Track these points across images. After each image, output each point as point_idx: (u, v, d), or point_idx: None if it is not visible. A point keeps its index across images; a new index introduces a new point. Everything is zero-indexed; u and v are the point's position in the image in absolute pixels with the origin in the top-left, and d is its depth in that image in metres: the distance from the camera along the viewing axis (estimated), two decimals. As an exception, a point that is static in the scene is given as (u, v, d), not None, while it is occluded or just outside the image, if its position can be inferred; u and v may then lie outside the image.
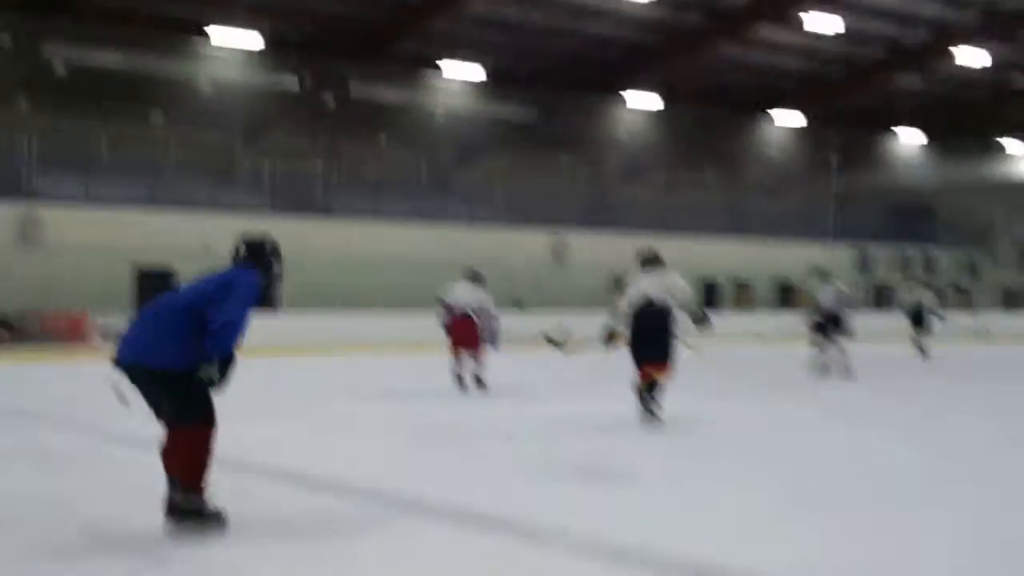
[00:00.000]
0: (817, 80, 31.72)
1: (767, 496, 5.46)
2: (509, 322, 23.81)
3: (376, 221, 26.38)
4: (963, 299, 34.84)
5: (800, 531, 4.60)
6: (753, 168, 37.40)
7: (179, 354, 4.67)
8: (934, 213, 40.25)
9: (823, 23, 26.15)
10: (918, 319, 18.39)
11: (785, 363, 16.09)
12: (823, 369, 13.88)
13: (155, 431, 4.79)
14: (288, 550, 4.30)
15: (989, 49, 28.08)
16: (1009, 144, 36.80)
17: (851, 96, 33.26)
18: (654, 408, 8.45)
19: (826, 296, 14.22)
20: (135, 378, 4.75)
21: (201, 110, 27.29)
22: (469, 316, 11.78)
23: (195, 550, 4.28)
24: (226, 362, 4.71)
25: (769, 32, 27.90)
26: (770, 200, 37.10)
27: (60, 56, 25.88)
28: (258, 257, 5.15)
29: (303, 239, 24.02)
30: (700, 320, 9.05)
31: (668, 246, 29.91)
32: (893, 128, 36.66)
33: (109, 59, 26.51)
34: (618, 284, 15.11)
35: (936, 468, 6.61)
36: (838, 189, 34.37)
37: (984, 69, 30.27)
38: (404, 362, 17.95)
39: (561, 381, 13.11)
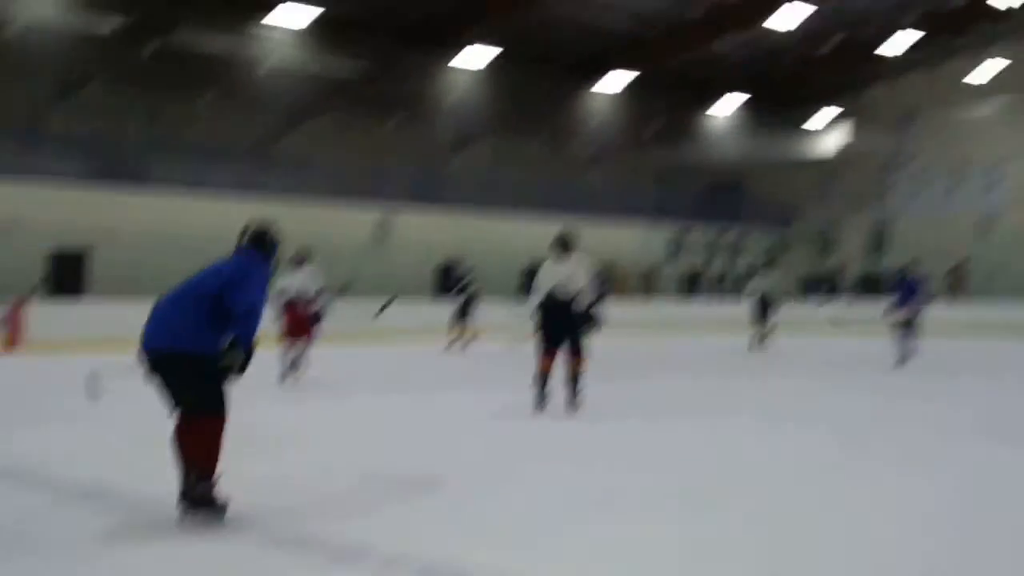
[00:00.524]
0: (641, 43, 31.79)
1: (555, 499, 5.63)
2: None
3: (194, 193, 25.15)
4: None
5: (591, 535, 4.77)
6: (578, 140, 37.78)
7: (202, 340, 4.83)
8: (744, 191, 41.43)
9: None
10: (763, 306, 17.54)
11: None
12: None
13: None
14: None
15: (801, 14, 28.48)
16: (816, 120, 37.95)
17: (672, 59, 33.37)
18: (545, 398, 8.82)
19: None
20: (158, 365, 4.85)
21: (7, 59, 24.91)
22: (295, 303, 11.59)
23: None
24: (249, 351, 4.86)
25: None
26: (594, 175, 37.72)
27: None
28: (264, 244, 5.32)
29: (113, 212, 22.95)
30: (586, 320, 8.93)
31: (494, 224, 30.33)
32: (710, 103, 37.44)
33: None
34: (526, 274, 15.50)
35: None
36: (656, 164, 35.08)
37: (795, 32, 30.64)
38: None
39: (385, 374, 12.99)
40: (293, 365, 11.54)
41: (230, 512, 4.99)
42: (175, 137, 26.95)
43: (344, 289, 24.91)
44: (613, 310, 11.19)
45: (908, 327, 14.57)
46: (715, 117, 38.62)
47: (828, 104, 38.83)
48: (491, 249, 28.57)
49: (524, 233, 30.14)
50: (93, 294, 22.33)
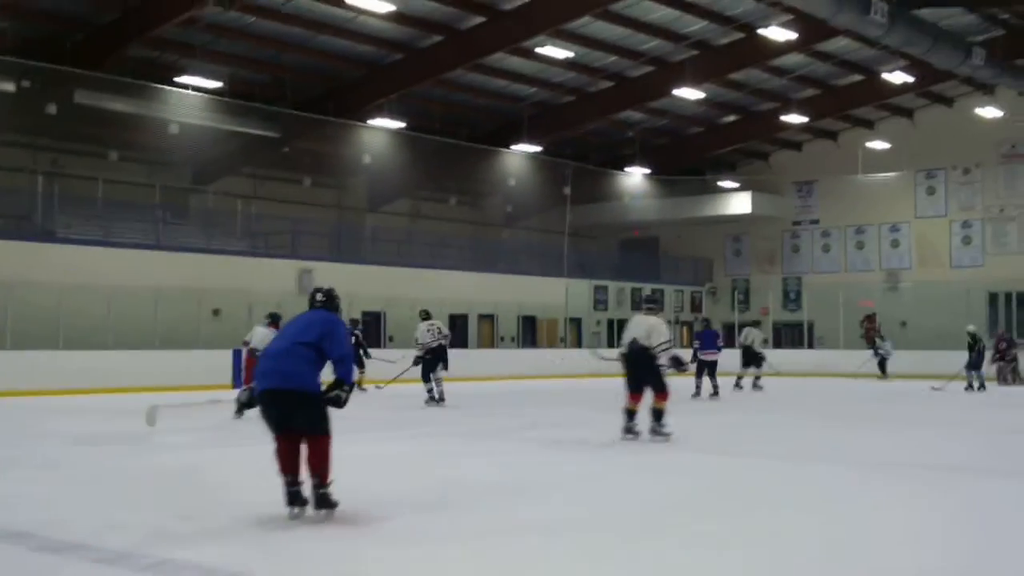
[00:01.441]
0: (551, 110, 32.41)
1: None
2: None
3: (105, 247, 24.65)
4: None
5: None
6: (494, 199, 38.16)
7: (311, 380, 6.14)
8: (659, 249, 42.37)
9: (556, 52, 26.65)
10: (749, 357, 21.24)
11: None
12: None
13: None
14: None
15: (703, 88, 29.61)
16: (724, 182, 39.20)
17: (581, 127, 34.16)
18: (659, 429, 10.41)
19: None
20: (275, 400, 6.11)
21: None
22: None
23: None
24: (350, 388, 6.31)
25: (505, 59, 28.25)
26: (511, 233, 38.09)
27: None
28: (335, 303, 6.71)
29: (22, 266, 22.32)
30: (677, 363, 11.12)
31: (414, 278, 30.37)
32: (623, 163, 38.33)
33: None
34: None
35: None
36: (572, 222, 35.59)
37: (699, 103, 31.84)
38: (138, 400, 17.08)
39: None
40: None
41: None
42: (81, 193, 26.40)
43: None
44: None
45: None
46: (629, 175, 39.34)
47: (734, 168, 39.95)
48: (413, 300, 28.53)
49: (444, 285, 30.17)
50: (3, 346, 21.64)
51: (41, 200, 25.59)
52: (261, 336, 14.29)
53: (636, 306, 38.07)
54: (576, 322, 35.81)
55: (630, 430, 10.53)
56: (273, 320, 14.83)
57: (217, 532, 5.70)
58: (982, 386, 21.34)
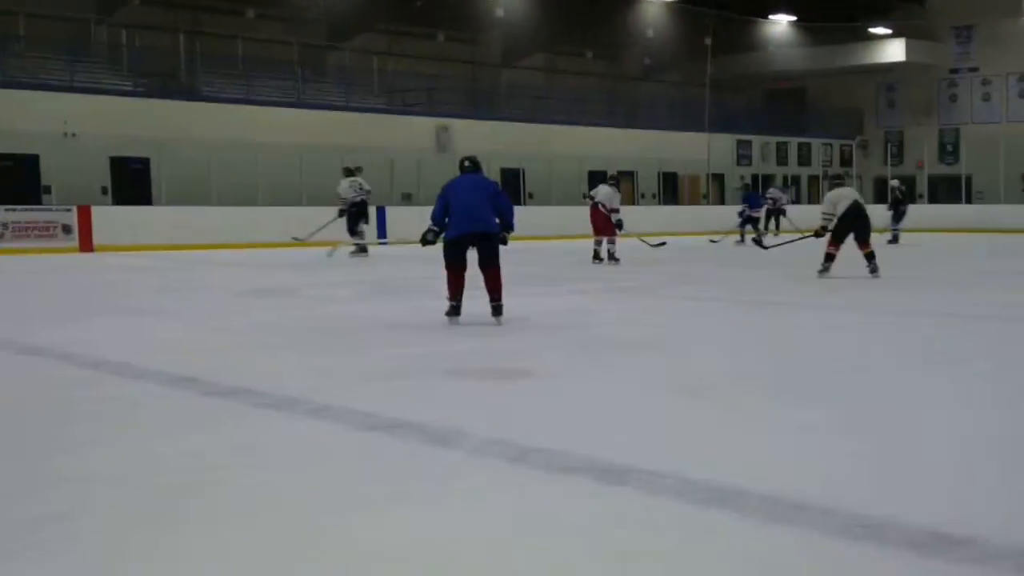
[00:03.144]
0: None
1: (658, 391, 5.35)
2: (395, 214, 23.42)
3: (246, 105, 25.03)
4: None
5: (694, 429, 4.48)
6: (632, 52, 37.01)
7: (494, 225, 8.10)
8: (806, 101, 40.66)
9: None
10: (895, 208, 22.37)
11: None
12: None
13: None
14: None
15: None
16: (876, 27, 37.04)
17: None
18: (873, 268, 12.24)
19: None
20: (473, 240, 8.05)
21: None
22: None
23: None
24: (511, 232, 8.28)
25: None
26: (650, 87, 37.00)
27: None
28: (479, 167, 8.42)
29: (171, 125, 22.87)
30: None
31: (551, 135, 29.98)
32: (767, 10, 36.55)
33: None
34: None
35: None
36: (714, 74, 34.29)
37: None
38: (294, 256, 17.50)
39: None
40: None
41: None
42: (222, 52, 26.71)
43: (408, 198, 24.92)
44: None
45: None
46: (774, 23, 37.47)
47: (887, 13, 37.56)
48: (551, 157, 28.22)
49: (582, 142, 29.68)
50: (155, 203, 22.42)
51: (184, 59, 26.04)
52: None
53: (780, 162, 37.05)
54: (719, 178, 34.91)
55: (827, 270, 12.27)
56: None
57: (375, 378, 5.69)
58: None
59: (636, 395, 5.26)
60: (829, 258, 12.31)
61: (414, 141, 26.76)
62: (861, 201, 12.46)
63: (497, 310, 8.09)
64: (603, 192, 15.80)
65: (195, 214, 20.87)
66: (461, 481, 3.59)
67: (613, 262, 15.53)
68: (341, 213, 17.78)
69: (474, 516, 3.20)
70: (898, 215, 22.48)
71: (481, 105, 30.95)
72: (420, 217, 19.75)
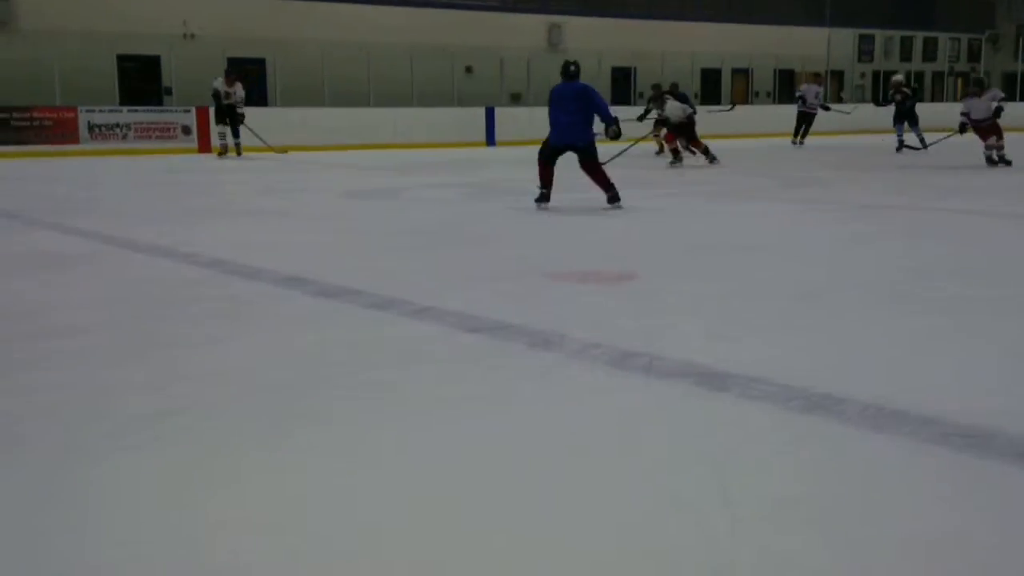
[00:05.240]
0: None
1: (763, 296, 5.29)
2: (504, 115, 23.29)
3: (359, 4, 25.01)
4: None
5: (796, 334, 4.43)
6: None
7: (589, 134, 9.37)
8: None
9: None
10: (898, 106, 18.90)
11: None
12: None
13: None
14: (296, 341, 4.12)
15: None
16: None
17: None
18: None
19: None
20: (567, 150, 9.36)
21: None
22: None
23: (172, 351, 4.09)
24: (618, 126, 9.47)
25: None
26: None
27: None
28: (578, 75, 9.46)
29: (284, 24, 23.07)
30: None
31: (663, 31, 29.21)
32: None
33: None
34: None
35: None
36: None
37: None
38: (405, 157, 17.62)
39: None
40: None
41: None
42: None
43: (516, 98, 24.74)
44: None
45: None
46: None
47: None
48: (663, 54, 27.59)
49: (695, 38, 28.87)
50: (273, 103, 22.74)
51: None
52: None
53: (904, 58, 35.44)
54: (838, 75, 33.65)
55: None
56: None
57: (478, 282, 5.75)
58: None
59: (739, 299, 5.20)
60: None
61: (525, 39, 26.44)
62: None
63: (611, 199, 9.24)
64: (673, 109, 15.58)
65: (308, 115, 21.11)
66: (561, 385, 3.64)
67: (713, 161, 15.29)
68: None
69: (573, 419, 3.24)
70: (903, 115, 18.76)
71: (593, 1, 30.29)
72: (530, 118, 19.70)
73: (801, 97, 20.65)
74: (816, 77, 22.27)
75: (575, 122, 9.21)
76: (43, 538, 2.35)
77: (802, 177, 13.85)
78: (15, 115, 18.69)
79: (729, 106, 17.23)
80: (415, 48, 23.40)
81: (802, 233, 8.12)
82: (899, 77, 19.67)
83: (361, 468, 2.82)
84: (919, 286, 5.58)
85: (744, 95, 30.66)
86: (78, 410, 3.36)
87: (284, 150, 18.53)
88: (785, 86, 31.86)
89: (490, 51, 24.18)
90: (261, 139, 17.90)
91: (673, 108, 15.55)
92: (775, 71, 31.26)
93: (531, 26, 27.14)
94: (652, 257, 6.67)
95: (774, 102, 31.09)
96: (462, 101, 23.50)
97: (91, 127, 19.19)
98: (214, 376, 3.76)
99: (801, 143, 20.28)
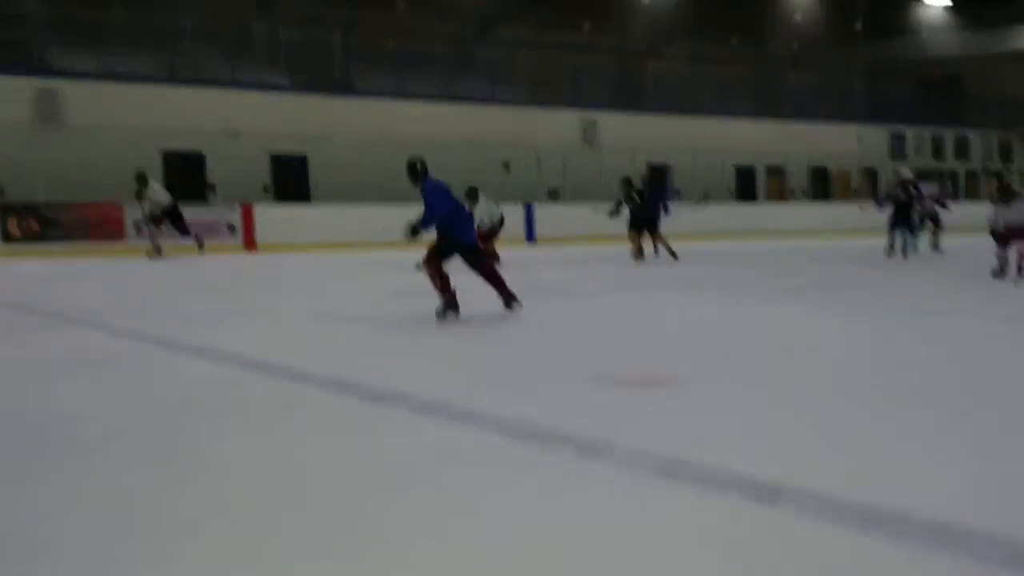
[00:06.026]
0: None
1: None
2: (543, 213, 23.36)
3: (398, 99, 25.53)
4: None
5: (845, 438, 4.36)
6: (779, 38, 36.13)
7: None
8: (962, 89, 38.87)
9: None
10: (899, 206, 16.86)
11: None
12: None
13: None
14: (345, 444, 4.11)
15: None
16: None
17: None
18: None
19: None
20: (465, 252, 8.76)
21: None
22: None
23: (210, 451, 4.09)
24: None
25: None
26: (798, 74, 36.07)
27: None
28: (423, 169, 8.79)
29: (325, 120, 23.54)
30: None
31: (698, 129, 29.50)
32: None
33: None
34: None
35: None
36: (864, 60, 33.09)
37: None
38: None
39: (596, 279, 12.82)
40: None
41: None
42: (375, 45, 27.29)
43: (553, 195, 24.90)
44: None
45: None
46: (927, 6, 35.85)
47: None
48: (697, 151, 27.86)
49: (729, 135, 29.15)
50: (314, 199, 23.04)
51: (338, 54, 26.71)
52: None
53: (936, 156, 35.57)
54: (871, 173, 33.79)
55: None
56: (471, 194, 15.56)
57: (522, 385, 5.74)
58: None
59: (789, 406, 5.15)
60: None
61: (560, 135, 26.82)
62: None
63: (509, 302, 8.91)
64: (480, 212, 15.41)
65: (349, 213, 21.33)
66: (611, 494, 3.60)
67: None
68: (154, 218, 17.60)
69: (624, 529, 3.21)
70: (902, 221, 16.64)
71: (627, 97, 30.77)
72: (565, 215, 19.77)
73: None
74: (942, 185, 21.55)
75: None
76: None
77: (847, 277, 13.80)
78: (61, 212, 18.91)
79: (702, 202, 17.16)
80: (449, 142, 23.78)
81: (849, 335, 8.06)
82: (907, 172, 17.43)
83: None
84: (977, 393, 5.51)
85: (778, 192, 30.83)
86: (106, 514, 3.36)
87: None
88: (819, 184, 32.03)
89: (526, 146, 24.51)
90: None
91: (480, 210, 15.20)
92: (808, 168, 31.46)
93: (564, 120, 27.54)
94: (693, 360, 6.64)
95: (808, 199, 31.19)
96: (501, 197, 23.76)
97: (136, 224, 19.32)
98: (240, 482, 3.76)
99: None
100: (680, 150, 27.83)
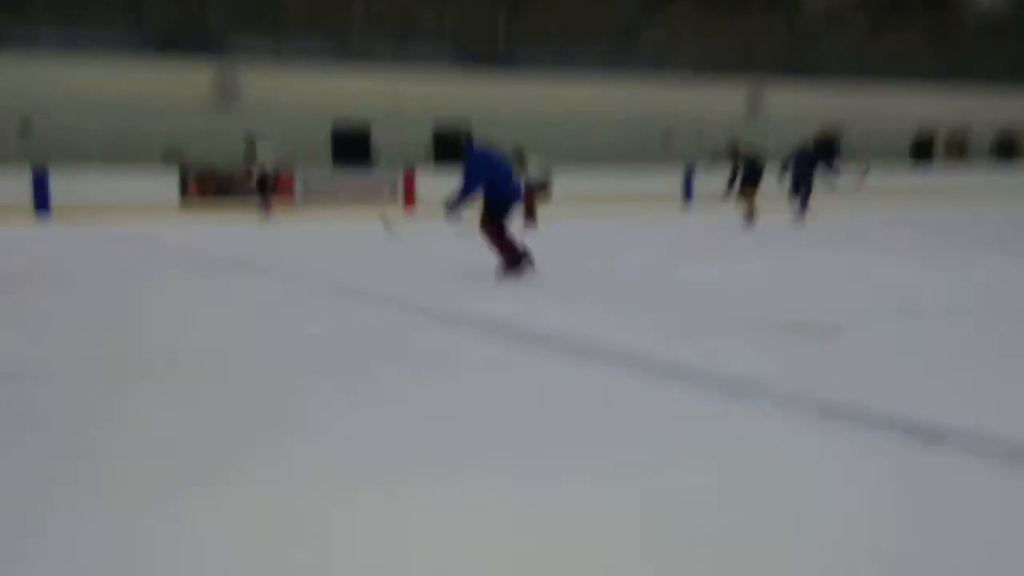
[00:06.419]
0: None
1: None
2: (704, 177, 23.05)
3: (560, 77, 25.56)
4: None
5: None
6: (966, 7, 34.17)
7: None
8: None
9: None
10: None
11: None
12: None
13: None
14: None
15: None
16: None
17: None
18: None
19: None
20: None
21: None
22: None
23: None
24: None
25: None
26: (985, 43, 34.08)
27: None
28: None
29: (487, 95, 23.81)
30: None
31: (874, 95, 28.29)
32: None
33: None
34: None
35: None
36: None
37: None
38: (599, 221, 17.67)
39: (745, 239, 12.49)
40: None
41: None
42: (539, 23, 27.33)
43: (716, 157, 24.49)
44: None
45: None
46: None
47: None
48: (874, 117, 26.82)
49: (907, 102, 27.89)
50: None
51: (502, 31, 26.91)
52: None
53: None
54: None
55: None
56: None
57: (680, 330, 5.62)
58: None
59: (943, 357, 4.88)
60: None
61: (725, 107, 26.29)
62: None
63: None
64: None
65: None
66: (763, 434, 3.49)
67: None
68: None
69: (776, 469, 3.10)
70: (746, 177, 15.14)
71: (798, 67, 29.78)
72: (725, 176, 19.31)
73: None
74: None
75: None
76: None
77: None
78: (235, 177, 19.93)
79: (865, 169, 16.00)
80: (617, 117, 23.66)
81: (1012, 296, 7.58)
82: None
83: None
84: None
85: (959, 155, 29.35)
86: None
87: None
88: (1005, 150, 30.28)
89: (689, 120, 24.15)
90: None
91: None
92: (995, 134, 29.76)
93: (731, 94, 26.96)
94: (858, 310, 6.36)
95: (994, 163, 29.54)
96: (661, 166, 23.51)
97: (307, 187, 20.37)
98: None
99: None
100: (853, 119, 26.80)
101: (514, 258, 8.52)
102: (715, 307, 6.64)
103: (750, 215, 14.92)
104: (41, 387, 4.29)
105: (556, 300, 7.16)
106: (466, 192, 8.55)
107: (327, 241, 13.14)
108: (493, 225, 8.61)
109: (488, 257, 9.01)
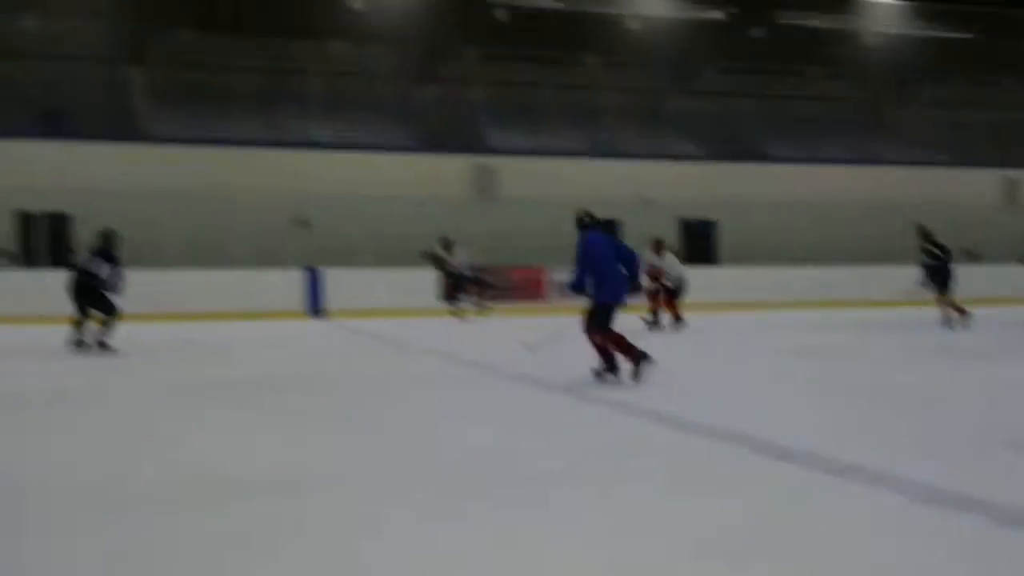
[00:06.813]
0: None
1: None
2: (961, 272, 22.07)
3: (809, 165, 25.44)
4: None
5: None
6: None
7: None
8: None
9: None
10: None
11: None
12: None
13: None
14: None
15: None
16: None
17: None
18: None
19: None
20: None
21: (631, 50, 27.40)
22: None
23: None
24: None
25: None
26: None
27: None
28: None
29: (734, 186, 23.97)
30: None
31: None
32: None
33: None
34: None
35: None
36: None
37: None
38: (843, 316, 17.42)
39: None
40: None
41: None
42: (785, 113, 27.47)
43: (970, 254, 23.46)
44: None
45: None
46: None
47: None
48: None
49: None
50: (722, 262, 23.43)
51: (748, 122, 27.13)
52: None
53: None
54: None
55: None
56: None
57: (930, 446, 5.64)
58: None
59: None
60: None
61: (978, 196, 25.32)
62: None
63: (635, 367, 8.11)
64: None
65: (754, 274, 21.47)
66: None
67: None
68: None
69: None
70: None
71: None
72: (986, 274, 18.58)
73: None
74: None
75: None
76: None
77: None
78: (493, 275, 20.71)
79: None
80: (866, 204, 23.23)
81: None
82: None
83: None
84: None
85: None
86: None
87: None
88: None
89: (943, 206, 23.36)
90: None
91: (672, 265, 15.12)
92: None
93: (983, 181, 25.95)
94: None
95: None
96: (910, 258, 22.73)
97: (556, 286, 20.72)
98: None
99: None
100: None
101: (633, 357, 7.97)
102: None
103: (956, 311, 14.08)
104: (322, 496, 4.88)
105: (791, 413, 7.23)
106: (574, 283, 8.12)
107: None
108: (598, 327, 8.02)
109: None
